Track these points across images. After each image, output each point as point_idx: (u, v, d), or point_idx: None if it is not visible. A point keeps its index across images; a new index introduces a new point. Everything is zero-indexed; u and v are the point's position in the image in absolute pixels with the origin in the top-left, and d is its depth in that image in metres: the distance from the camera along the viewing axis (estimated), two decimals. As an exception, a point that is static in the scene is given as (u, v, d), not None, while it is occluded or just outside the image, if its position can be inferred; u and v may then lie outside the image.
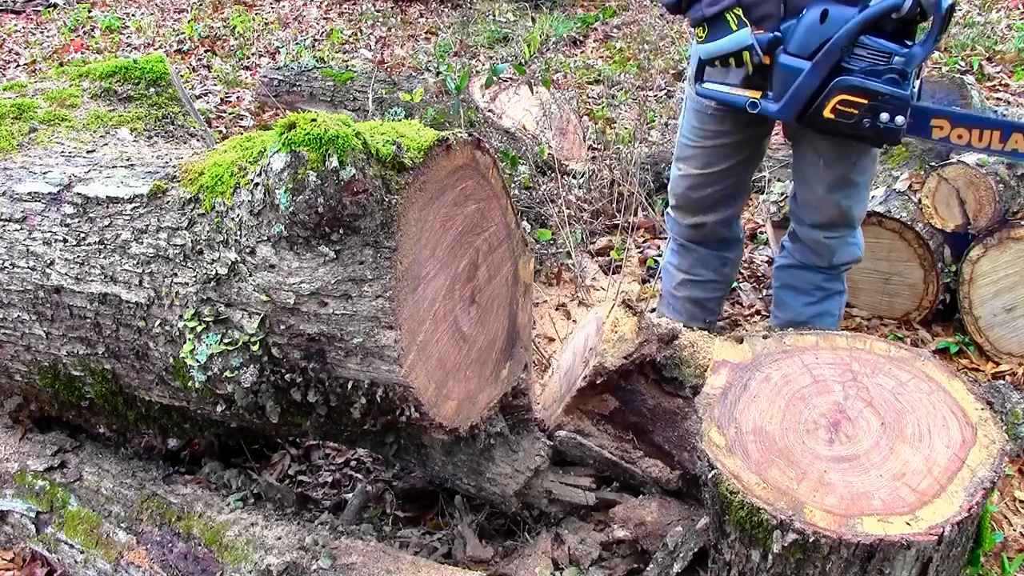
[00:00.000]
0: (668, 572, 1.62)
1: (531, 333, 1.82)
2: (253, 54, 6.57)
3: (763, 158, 2.38)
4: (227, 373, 1.42)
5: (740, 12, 1.93)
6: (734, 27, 1.91)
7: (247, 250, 1.39)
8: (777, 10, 1.96)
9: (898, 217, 2.70)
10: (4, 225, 1.66)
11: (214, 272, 1.43)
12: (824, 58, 1.86)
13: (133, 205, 1.55)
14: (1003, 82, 4.89)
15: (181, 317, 1.47)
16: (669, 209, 2.44)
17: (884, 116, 1.85)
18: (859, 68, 1.86)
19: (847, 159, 2.10)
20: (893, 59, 1.83)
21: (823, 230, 2.23)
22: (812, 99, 1.90)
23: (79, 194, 1.60)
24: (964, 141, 1.87)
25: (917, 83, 1.93)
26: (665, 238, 3.43)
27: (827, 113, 1.89)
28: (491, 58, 6.11)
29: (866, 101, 1.86)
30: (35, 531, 1.87)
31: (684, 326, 1.98)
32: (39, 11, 8.24)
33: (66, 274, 1.59)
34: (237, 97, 5.56)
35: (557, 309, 3.03)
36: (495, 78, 3.78)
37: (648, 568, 1.65)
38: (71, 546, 1.81)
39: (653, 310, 2.74)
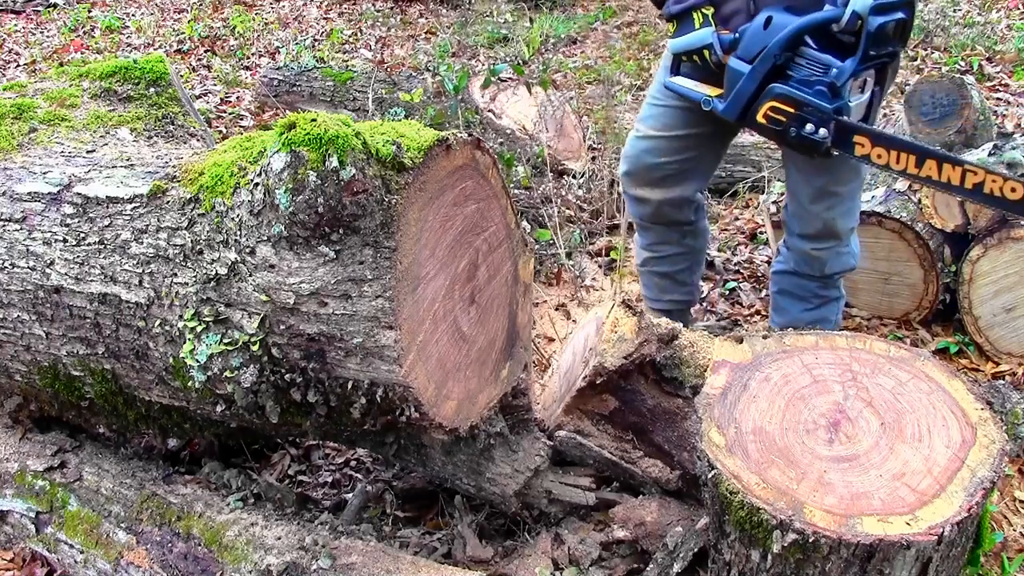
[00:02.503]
0: (668, 572, 1.62)
1: (531, 333, 1.82)
2: (253, 54, 6.58)
3: (722, 154, 2.35)
4: (227, 373, 1.42)
5: (710, 12, 1.95)
6: (698, 25, 1.95)
7: (247, 250, 1.39)
8: (746, 9, 1.96)
9: (898, 217, 2.70)
10: (4, 225, 1.66)
11: (214, 272, 1.43)
12: (760, 64, 1.88)
13: (133, 205, 1.55)
14: (1003, 82, 4.90)
15: (181, 317, 1.47)
16: (620, 175, 2.39)
17: (809, 127, 1.86)
18: (797, 77, 1.87)
19: (826, 170, 2.09)
20: (830, 71, 1.83)
21: (810, 241, 2.22)
22: (750, 102, 1.91)
23: (79, 194, 1.60)
24: (884, 161, 1.84)
25: (863, 98, 1.92)
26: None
27: (760, 118, 1.91)
28: (491, 58, 6.11)
29: (793, 110, 1.87)
30: (35, 531, 1.87)
31: (684, 325, 1.98)
32: (39, 11, 8.24)
33: (66, 274, 1.59)
34: (237, 97, 5.56)
35: (557, 309, 3.03)
36: (494, 79, 3.78)
37: (648, 568, 1.65)
38: (71, 546, 1.81)
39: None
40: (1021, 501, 2.07)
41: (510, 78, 4.21)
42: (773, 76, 1.88)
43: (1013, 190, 1.73)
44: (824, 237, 2.20)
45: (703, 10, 1.95)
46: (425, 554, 1.81)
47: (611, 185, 3.64)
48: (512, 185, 3.37)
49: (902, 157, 1.81)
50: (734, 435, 1.47)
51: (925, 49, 5.52)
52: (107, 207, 1.57)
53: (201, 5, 8.13)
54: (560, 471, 1.90)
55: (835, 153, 1.89)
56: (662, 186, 2.28)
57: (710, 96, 2.00)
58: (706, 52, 1.95)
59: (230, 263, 1.41)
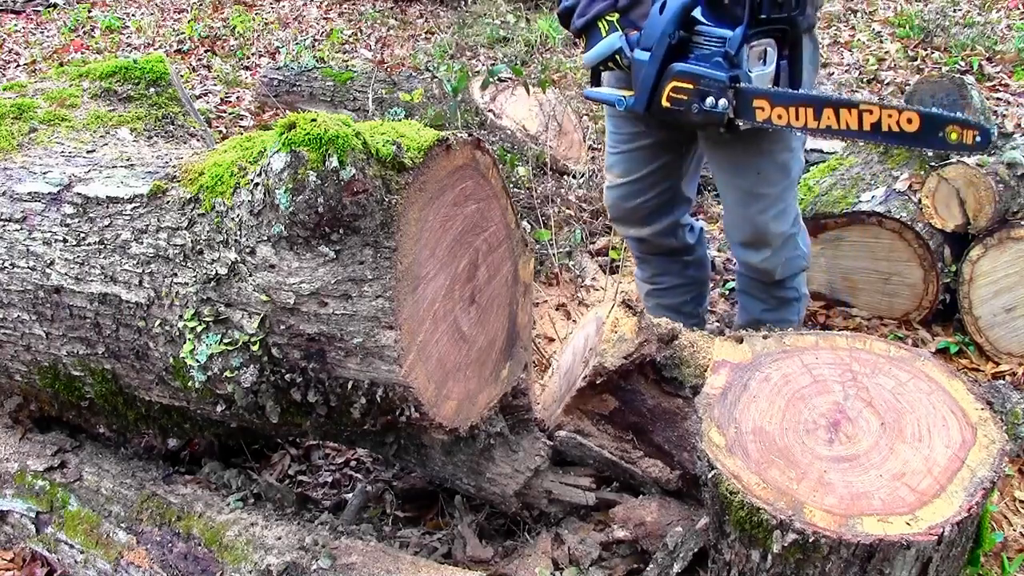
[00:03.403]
0: (668, 572, 1.62)
1: (531, 333, 1.82)
2: (253, 54, 6.57)
3: (692, 166, 2.32)
4: (227, 373, 1.42)
5: (614, 17, 1.96)
6: (604, 34, 1.96)
7: (247, 250, 1.39)
8: (654, 8, 1.96)
9: (898, 217, 2.70)
10: (4, 225, 1.66)
11: (214, 272, 1.43)
12: (657, 47, 1.87)
13: (133, 205, 1.55)
14: (1003, 82, 4.90)
15: (181, 317, 1.47)
16: (610, 220, 2.41)
17: (709, 100, 1.84)
18: (696, 54, 1.86)
19: (748, 169, 2.07)
20: (727, 43, 1.81)
21: (746, 250, 2.21)
22: (654, 88, 1.90)
23: (79, 194, 1.60)
24: (785, 121, 1.80)
25: (765, 69, 1.88)
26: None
27: (664, 101, 1.90)
28: (490, 59, 6.11)
29: (692, 86, 1.85)
30: (35, 531, 1.87)
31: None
32: (39, 11, 8.24)
33: (66, 274, 1.59)
34: (237, 97, 5.56)
35: (557, 309, 3.03)
36: (492, 79, 3.78)
37: (648, 568, 1.65)
38: (71, 546, 1.81)
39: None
40: (1021, 501, 2.07)
41: (509, 78, 4.21)
42: (672, 58, 1.87)
43: (910, 121, 1.70)
44: (758, 244, 2.17)
45: (607, 18, 1.95)
46: (425, 554, 1.81)
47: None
48: (512, 185, 3.37)
49: (801, 112, 1.79)
50: (734, 435, 1.47)
51: (925, 49, 5.52)
52: (107, 207, 1.57)
53: (201, 5, 8.12)
54: (560, 471, 1.90)
55: (740, 124, 1.86)
56: (648, 223, 2.31)
57: (623, 96, 1.99)
58: (618, 57, 1.96)
59: (230, 263, 1.41)
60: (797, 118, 1.79)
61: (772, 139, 2.04)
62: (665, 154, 2.21)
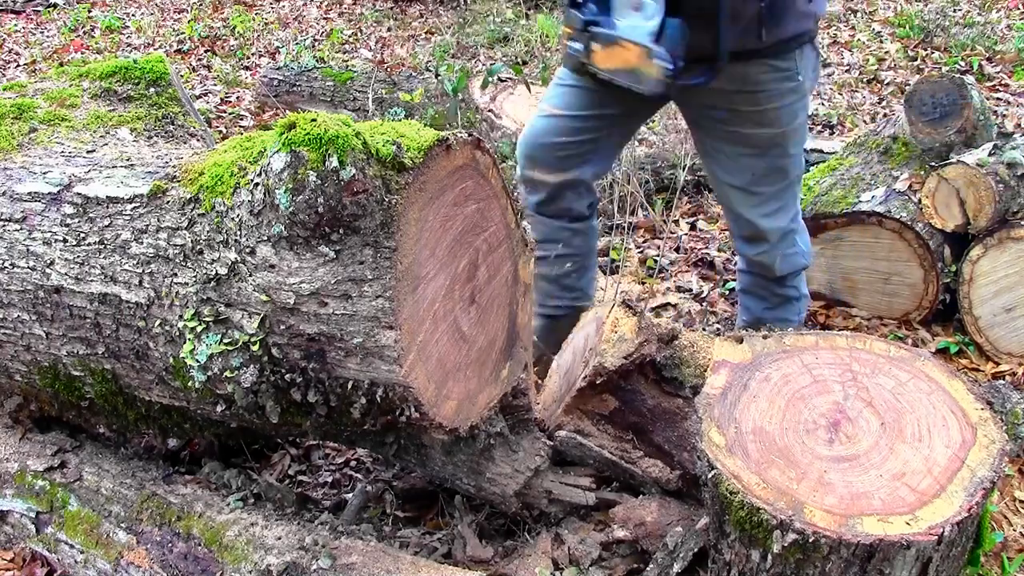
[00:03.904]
0: (668, 572, 1.62)
1: (531, 333, 1.82)
2: (253, 54, 6.58)
3: (625, 141, 2.30)
4: (227, 373, 1.42)
5: None
6: None
7: (247, 250, 1.39)
8: None
9: (898, 217, 2.70)
10: (4, 225, 1.66)
11: (214, 272, 1.43)
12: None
13: (133, 205, 1.55)
14: (1003, 82, 4.90)
15: (181, 317, 1.47)
16: (518, 156, 2.30)
17: (571, 42, 1.83)
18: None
19: (743, 171, 2.08)
20: None
21: (745, 244, 2.21)
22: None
23: (79, 194, 1.60)
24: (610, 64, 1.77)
25: (639, 20, 1.76)
26: (663, 237, 3.44)
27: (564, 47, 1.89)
28: (491, 58, 6.11)
29: (567, 28, 1.85)
30: (35, 531, 1.87)
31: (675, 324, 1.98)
32: (39, 11, 8.24)
33: (66, 274, 1.59)
34: (237, 97, 5.56)
35: (557, 309, 3.02)
36: (492, 79, 3.78)
37: (648, 568, 1.65)
38: (71, 546, 1.81)
39: (652, 309, 2.74)
40: (1021, 501, 2.07)
41: (509, 78, 4.21)
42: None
43: None
44: (756, 240, 2.18)
45: None
46: (425, 554, 1.81)
47: (611, 185, 3.64)
48: (512, 185, 3.36)
49: (617, 51, 1.74)
50: (734, 435, 1.47)
51: (925, 49, 5.52)
52: (107, 207, 1.57)
53: (201, 5, 8.12)
54: (560, 471, 1.90)
55: (600, 72, 1.81)
56: (559, 168, 2.21)
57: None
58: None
59: (230, 263, 1.41)
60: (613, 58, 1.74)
61: (766, 143, 2.05)
62: (616, 106, 2.14)
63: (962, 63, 5.17)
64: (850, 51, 5.64)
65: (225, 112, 5.24)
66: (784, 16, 1.92)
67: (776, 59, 1.97)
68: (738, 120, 2.03)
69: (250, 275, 1.39)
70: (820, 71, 2.13)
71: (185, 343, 1.46)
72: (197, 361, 1.43)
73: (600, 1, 1.78)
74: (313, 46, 6.68)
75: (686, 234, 3.57)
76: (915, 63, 5.36)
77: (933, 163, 2.76)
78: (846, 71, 5.29)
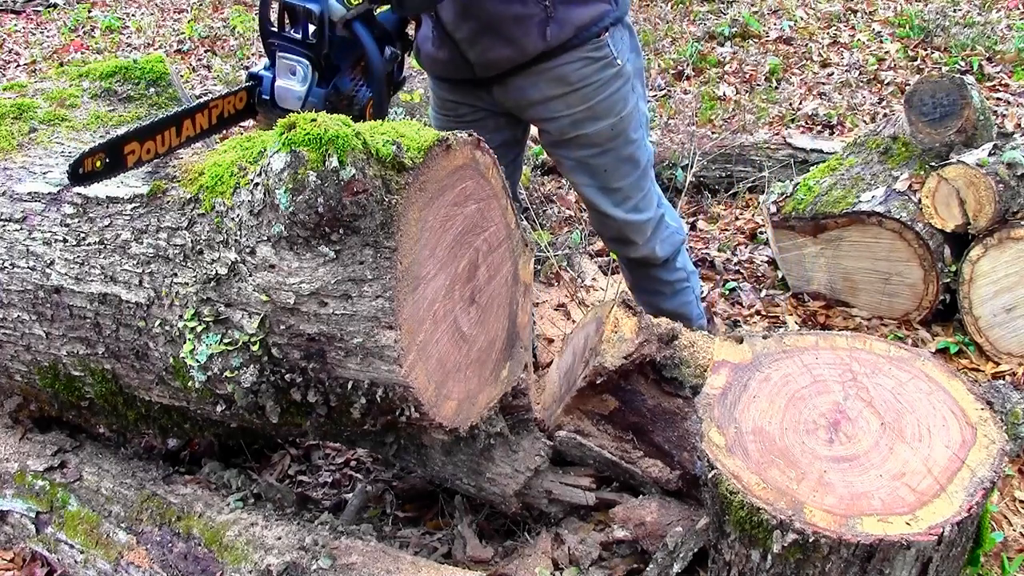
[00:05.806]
0: (668, 572, 1.62)
1: (531, 333, 1.82)
2: (253, 54, 6.57)
3: (519, 153, 2.30)
4: (227, 373, 1.42)
5: None
6: None
7: (247, 250, 1.39)
8: None
9: (898, 217, 2.70)
10: (4, 225, 1.66)
11: (214, 272, 1.43)
12: None
13: (133, 205, 1.55)
14: (1003, 82, 4.89)
15: (181, 317, 1.47)
16: None
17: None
18: None
19: (594, 169, 2.08)
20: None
21: (621, 246, 2.21)
22: None
23: (79, 194, 1.60)
24: (150, 157, 1.63)
25: (299, 87, 1.74)
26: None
27: None
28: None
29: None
30: (35, 531, 1.87)
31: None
32: (39, 11, 8.24)
33: (66, 274, 1.59)
34: (237, 97, 5.54)
35: (557, 309, 3.02)
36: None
37: (648, 568, 1.65)
38: (71, 546, 1.81)
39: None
40: (1021, 501, 2.07)
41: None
42: None
43: (241, 99, 1.74)
44: (627, 239, 2.19)
45: None
46: (425, 554, 1.81)
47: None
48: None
49: (166, 136, 1.63)
50: (734, 435, 1.47)
51: (925, 49, 5.51)
52: (107, 207, 1.57)
53: (201, 5, 8.12)
54: (560, 471, 1.90)
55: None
56: None
57: None
58: None
59: (230, 263, 1.41)
60: (163, 144, 1.63)
61: (607, 136, 2.05)
62: (506, 129, 2.17)
63: (962, 63, 5.17)
64: (850, 51, 5.64)
65: (225, 112, 5.23)
66: (569, 5, 1.91)
67: (588, 50, 1.97)
68: (579, 123, 2.04)
69: (250, 275, 1.39)
70: (641, 51, 2.13)
71: (185, 343, 1.46)
72: (197, 361, 1.43)
73: (272, 54, 1.76)
74: (313, 46, 6.67)
75: (686, 234, 3.56)
76: (915, 63, 5.36)
77: (933, 163, 2.76)
78: (846, 71, 5.29)
